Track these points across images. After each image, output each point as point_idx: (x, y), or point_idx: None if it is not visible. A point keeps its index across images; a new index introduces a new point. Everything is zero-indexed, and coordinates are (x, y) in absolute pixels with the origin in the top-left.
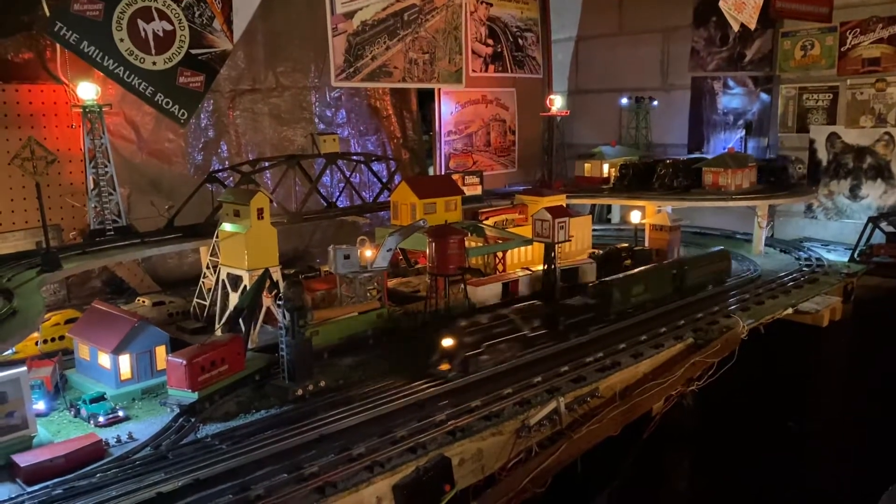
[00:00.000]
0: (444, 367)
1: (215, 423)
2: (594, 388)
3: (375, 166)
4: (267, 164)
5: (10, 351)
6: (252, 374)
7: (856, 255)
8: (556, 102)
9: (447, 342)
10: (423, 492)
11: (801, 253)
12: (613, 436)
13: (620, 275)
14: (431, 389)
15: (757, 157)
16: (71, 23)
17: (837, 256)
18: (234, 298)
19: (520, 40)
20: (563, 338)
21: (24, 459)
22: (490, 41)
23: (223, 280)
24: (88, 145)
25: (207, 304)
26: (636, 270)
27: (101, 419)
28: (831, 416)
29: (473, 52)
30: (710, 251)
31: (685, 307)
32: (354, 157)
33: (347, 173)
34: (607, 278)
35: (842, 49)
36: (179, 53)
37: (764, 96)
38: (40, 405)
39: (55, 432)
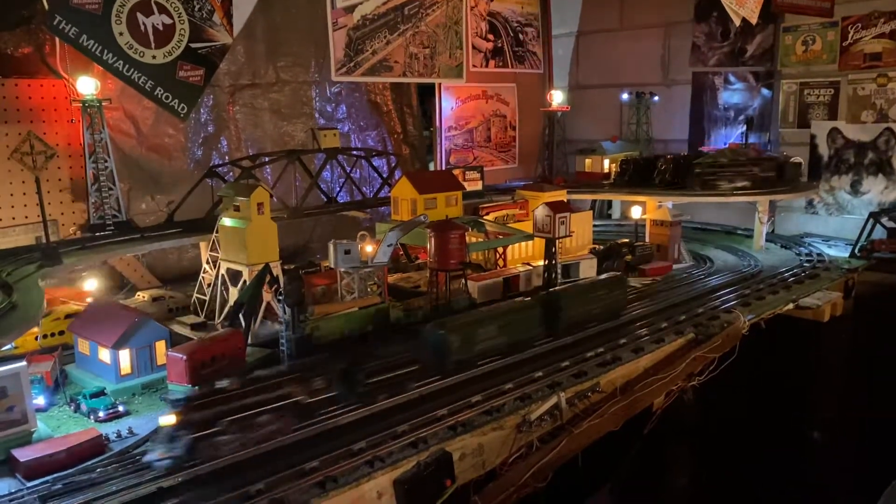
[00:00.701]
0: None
1: None
2: (595, 383)
3: (376, 161)
4: (267, 159)
5: (9, 346)
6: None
7: (857, 251)
8: (557, 98)
9: (166, 420)
10: (423, 486)
11: (801, 248)
12: (614, 431)
13: (462, 314)
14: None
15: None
16: (70, 16)
17: (838, 252)
18: (234, 293)
19: (520, 35)
20: (370, 401)
21: (23, 454)
22: (490, 36)
23: (223, 275)
24: (88, 140)
25: (207, 299)
26: (485, 309)
27: (101, 414)
28: (832, 412)
29: (474, 47)
30: (600, 277)
31: (557, 351)
32: (355, 153)
33: (348, 168)
34: (443, 319)
35: (843, 44)
36: (179, 47)
37: (765, 91)
38: (40, 400)
39: (55, 427)
